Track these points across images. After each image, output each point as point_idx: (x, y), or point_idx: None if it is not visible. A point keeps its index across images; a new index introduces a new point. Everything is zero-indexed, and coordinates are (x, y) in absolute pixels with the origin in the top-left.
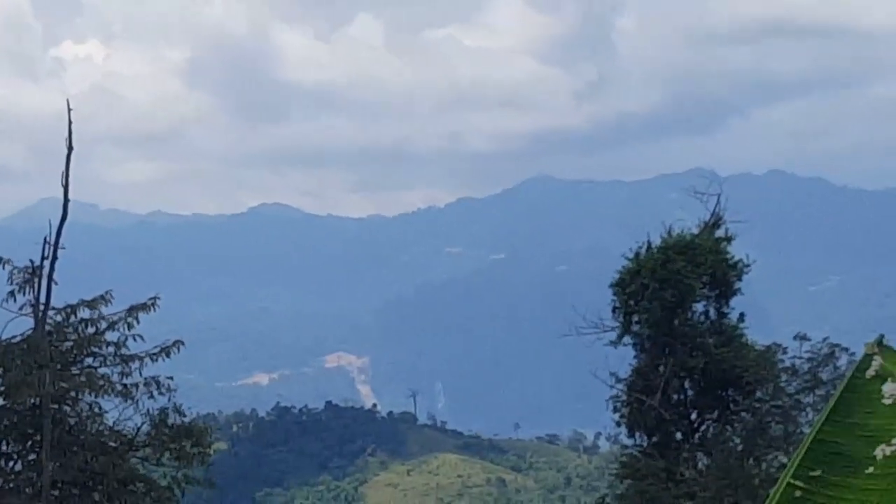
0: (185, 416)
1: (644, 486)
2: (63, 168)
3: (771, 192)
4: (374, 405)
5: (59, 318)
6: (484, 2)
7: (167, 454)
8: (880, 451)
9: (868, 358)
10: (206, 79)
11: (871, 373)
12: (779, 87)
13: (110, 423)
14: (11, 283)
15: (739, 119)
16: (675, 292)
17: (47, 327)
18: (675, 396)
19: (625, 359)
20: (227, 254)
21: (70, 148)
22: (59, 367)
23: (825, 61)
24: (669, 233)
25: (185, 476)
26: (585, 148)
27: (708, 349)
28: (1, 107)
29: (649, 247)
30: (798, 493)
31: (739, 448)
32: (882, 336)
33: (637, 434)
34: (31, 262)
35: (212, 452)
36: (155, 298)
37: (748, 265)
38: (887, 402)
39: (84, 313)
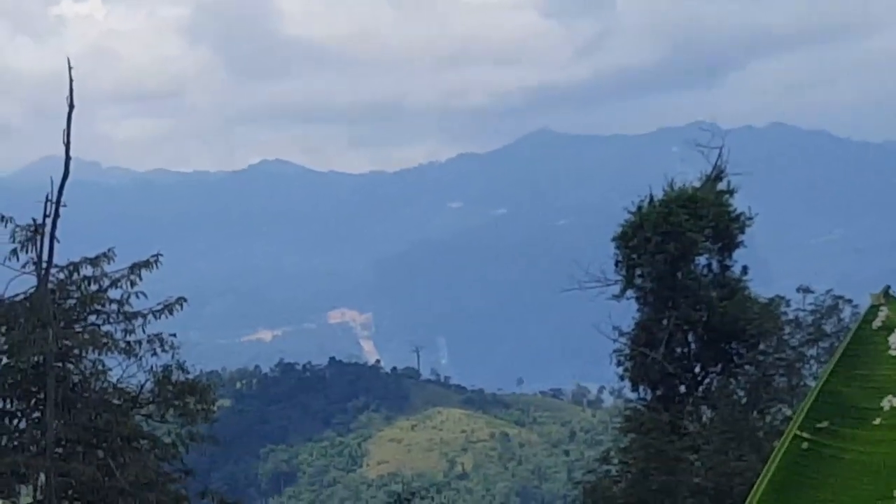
0: (188, 372)
1: (648, 440)
2: (64, 126)
3: (773, 144)
4: (378, 361)
5: (61, 275)
6: None
7: (171, 411)
8: (887, 402)
9: (874, 309)
10: (206, 36)
11: (877, 324)
12: (779, 39)
13: (114, 381)
14: (14, 242)
15: (740, 71)
16: (678, 245)
17: (50, 285)
18: (679, 350)
19: (628, 313)
20: (229, 211)
21: (71, 106)
22: (62, 324)
23: (826, 12)
24: (671, 186)
25: (189, 433)
26: (586, 102)
27: (711, 302)
28: (2, 65)
29: (651, 200)
30: (805, 445)
31: (743, 401)
32: (888, 287)
33: (641, 388)
34: (34, 220)
35: (216, 409)
36: (157, 256)
37: (750, 218)
38: (894, 353)
39: (87, 271)
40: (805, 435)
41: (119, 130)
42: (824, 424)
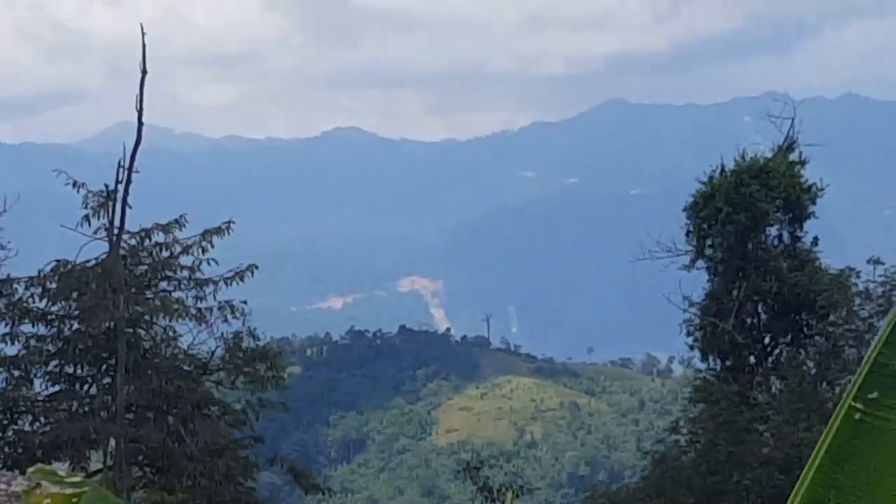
0: (259, 339)
1: (717, 410)
2: (137, 92)
3: (845, 115)
4: (448, 329)
5: (133, 242)
6: None
7: (241, 378)
8: None
9: None
10: (281, 0)
11: None
12: (854, 8)
13: (185, 347)
14: (86, 207)
15: (814, 40)
16: (749, 216)
17: (122, 251)
18: (749, 320)
19: (698, 283)
20: (301, 177)
21: (144, 71)
22: (133, 290)
23: None
24: (743, 156)
25: (259, 399)
26: (660, 71)
27: (781, 273)
28: (78, 30)
29: (723, 170)
30: (857, 416)
31: (813, 372)
32: None
33: (710, 358)
34: (106, 186)
35: (286, 376)
36: (229, 222)
37: (822, 189)
38: None
39: (158, 237)
40: (858, 405)
41: (193, 96)
42: (875, 395)
